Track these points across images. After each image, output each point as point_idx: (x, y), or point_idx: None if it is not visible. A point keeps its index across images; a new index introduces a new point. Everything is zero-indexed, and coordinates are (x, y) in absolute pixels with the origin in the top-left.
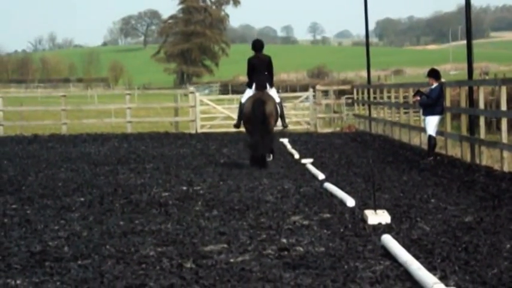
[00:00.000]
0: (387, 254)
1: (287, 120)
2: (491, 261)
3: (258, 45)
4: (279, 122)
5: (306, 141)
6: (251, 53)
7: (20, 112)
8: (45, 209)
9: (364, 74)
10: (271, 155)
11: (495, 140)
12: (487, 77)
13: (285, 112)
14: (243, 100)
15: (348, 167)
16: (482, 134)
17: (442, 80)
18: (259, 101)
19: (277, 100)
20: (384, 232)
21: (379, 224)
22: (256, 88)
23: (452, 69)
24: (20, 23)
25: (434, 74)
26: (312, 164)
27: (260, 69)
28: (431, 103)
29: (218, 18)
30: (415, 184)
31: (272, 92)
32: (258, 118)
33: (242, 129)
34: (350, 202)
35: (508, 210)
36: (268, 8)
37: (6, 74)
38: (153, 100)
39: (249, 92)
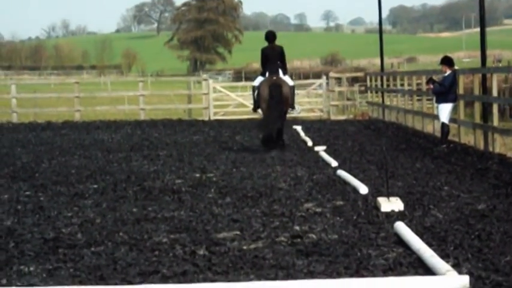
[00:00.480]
0: (400, 242)
1: (300, 107)
2: (504, 248)
3: (271, 36)
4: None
5: (319, 128)
6: (264, 40)
7: (34, 99)
8: (59, 196)
9: (377, 61)
10: (282, 140)
11: (508, 127)
12: (500, 65)
13: (298, 100)
14: (256, 84)
15: (361, 155)
16: (496, 121)
17: (455, 67)
18: (276, 85)
19: (291, 84)
20: (397, 219)
21: (392, 211)
22: (269, 74)
23: (466, 57)
24: (33, 10)
25: (447, 61)
26: (325, 151)
27: (273, 58)
28: (445, 91)
29: (231, 5)
30: (428, 171)
31: (286, 78)
32: (274, 100)
33: (254, 116)
34: (363, 189)
35: None
36: None
37: (19, 61)
38: (166, 87)
39: (261, 78)
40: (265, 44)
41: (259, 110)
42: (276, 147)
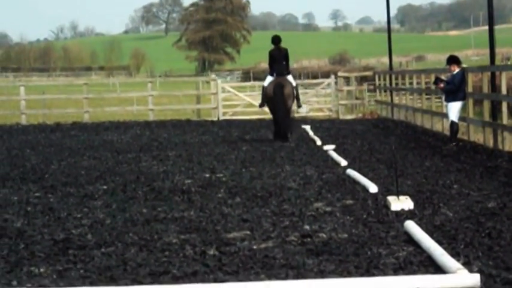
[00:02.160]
0: (410, 240)
1: (309, 107)
2: None
3: (276, 39)
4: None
5: (328, 127)
6: (272, 40)
7: (43, 100)
8: (68, 197)
9: (386, 60)
10: (290, 133)
11: None
12: (509, 63)
13: (307, 99)
14: (265, 84)
15: (371, 153)
16: (505, 119)
17: (464, 65)
18: (279, 85)
19: (294, 84)
20: (407, 218)
21: (402, 210)
22: (277, 75)
23: (474, 55)
24: (41, 11)
25: (454, 60)
26: (334, 150)
27: (279, 59)
28: (455, 89)
29: (239, 5)
30: (438, 170)
31: (289, 77)
32: (278, 98)
33: (263, 116)
34: (373, 188)
35: None
36: None
37: (28, 62)
38: (175, 88)
39: (270, 78)
40: (272, 46)
41: (266, 108)
42: (287, 140)
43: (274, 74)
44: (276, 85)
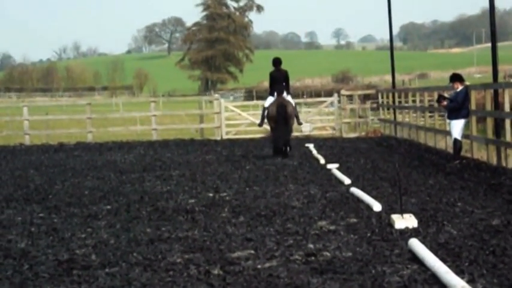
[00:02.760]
0: (414, 258)
1: (312, 126)
2: None
3: (277, 61)
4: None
5: (332, 146)
6: (272, 62)
7: (46, 121)
8: (72, 218)
9: (389, 78)
10: (289, 147)
11: None
12: (511, 80)
13: (310, 118)
14: (266, 105)
15: (374, 172)
16: (508, 136)
17: (467, 83)
18: (282, 105)
19: (293, 104)
20: (411, 236)
21: (406, 228)
22: (277, 95)
23: (477, 72)
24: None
25: (457, 77)
26: (338, 169)
27: (279, 80)
28: (458, 106)
29: (242, 24)
30: (442, 188)
31: (289, 98)
32: (281, 118)
33: (266, 135)
34: (376, 207)
35: None
36: (291, 14)
37: (31, 83)
38: (178, 107)
39: (271, 99)
40: (273, 68)
41: (266, 126)
42: (283, 156)
43: (275, 94)
44: (278, 105)
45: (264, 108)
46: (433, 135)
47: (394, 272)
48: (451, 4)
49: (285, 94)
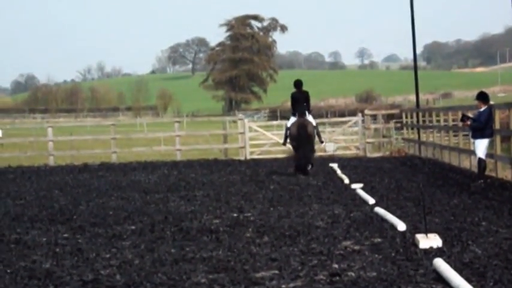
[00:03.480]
0: (439, 278)
1: (336, 145)
2: None
3: (298, 83)
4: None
5: (356, 166)
6: (294, 84)
7: (70, 141)
8: (97, 238)
9: (413, 97)
10: (311, 165)
11: None
12: None
13: (334, 137)
14: (289, 124)
15: (398, 191)
16: None
17: (491, 102)
18: (302, 125)
19: (314, 124)
20: (436, 256)
21: (431, 247)
22: (299, 115)
23: (501, 92)
24: (68, 53)
25: (483, 96)
26: (362, 188)
27: (300, 101)
28: (481, 126)
29: (266, 44)
30: (466, 207)
31: (310, 117)
32: (302, 137)
33: (287, 155)
34: (401, 226)
35: None
36: (315, 33)
37: (55, 103)
38: (202, 127)
39: (293, 119)
40: (294, 89)
41: (289, 145)
42: (303, 173)
43: (297, 115)
44: (300, 125)
45: (287, 128)
46: (457, 155)
47: None
48: (474, 23)
49: (306, 115)
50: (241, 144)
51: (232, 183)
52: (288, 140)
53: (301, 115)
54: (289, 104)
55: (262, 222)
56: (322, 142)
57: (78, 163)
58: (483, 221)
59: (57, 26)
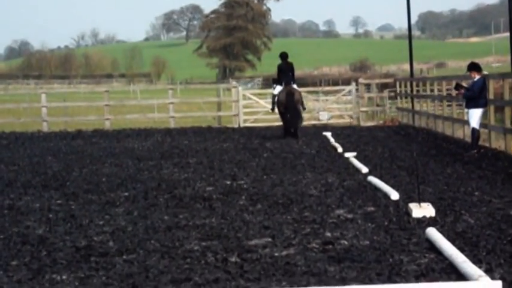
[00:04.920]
0: (432, 247)
1: (330, 114)
2: None
3: (284, 55)
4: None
5: (349, 134)
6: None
7: (64, 108)
8: (90, 204)
9: (407, 67)
10: (296, 129)
11: None
12: None
13: (328, 106)
14: (276, 92)
15: (392, 161)
16: None
17: (485, 72)
18: (290, 92)
19: (299, 90)
20: (429, 225)
21: (424, 217)
22: (285, 84)
23: (495, 62)
24: (62, 19)
25: (475, 67)
26: (355, 157)
27: (286, 71)
28: (474, 96)
29: (260, 12)
30: (459, 177)
31: (295, 86)
32: (290, 103)
33: (281, 123)
34: (394, 195)
35: None
36: (309, 2)
37: (49, 70)
38: (196, 95)
39: (279, 87)
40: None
41: (276, 110)
42: (293, 136)
43: (283, 83)
44: (288, 92)
45: (274, 95)
46: (450, 125)
47: (411, 261)
48: None
49: (291, 83)
50: (235, 112)
51: (226, 150)
52: (276, 106)
53: (287, 84)
54: None
55: (256, 190)
56: (304, 109)
57: (71, 129)
58: (476, 191)
59: None
